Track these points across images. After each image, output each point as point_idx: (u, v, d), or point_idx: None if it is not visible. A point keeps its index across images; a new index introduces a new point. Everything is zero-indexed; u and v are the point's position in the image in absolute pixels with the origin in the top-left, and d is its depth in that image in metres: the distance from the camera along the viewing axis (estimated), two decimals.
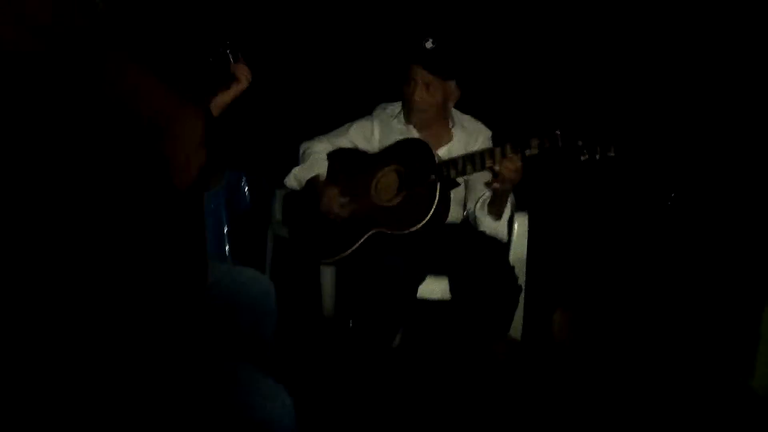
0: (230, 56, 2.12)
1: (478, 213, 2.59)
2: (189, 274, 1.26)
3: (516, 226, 2.68)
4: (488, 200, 2.55)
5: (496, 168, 2.35)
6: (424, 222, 2.38)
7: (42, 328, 0.90)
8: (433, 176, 2.43)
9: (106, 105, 0.96)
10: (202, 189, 1.23)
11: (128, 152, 1.03)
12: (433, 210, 2.39)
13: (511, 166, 2.33)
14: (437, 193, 2.41)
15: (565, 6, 3.44)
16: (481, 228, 2.58)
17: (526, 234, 2.69)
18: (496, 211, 2.53)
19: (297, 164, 2.78)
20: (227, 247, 3.14)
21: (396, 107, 2.77)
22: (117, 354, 0.98)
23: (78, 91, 0.95)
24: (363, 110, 2.90)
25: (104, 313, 0.97)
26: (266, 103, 3.15)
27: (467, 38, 3.08)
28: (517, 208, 2.73)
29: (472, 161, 2.40)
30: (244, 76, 2.05)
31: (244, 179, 3.21)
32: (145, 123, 1.02)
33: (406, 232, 2.41)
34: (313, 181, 2.68)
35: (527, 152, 2.36)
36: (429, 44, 2.56)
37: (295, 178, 2.74)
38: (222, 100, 1.99)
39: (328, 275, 2.92)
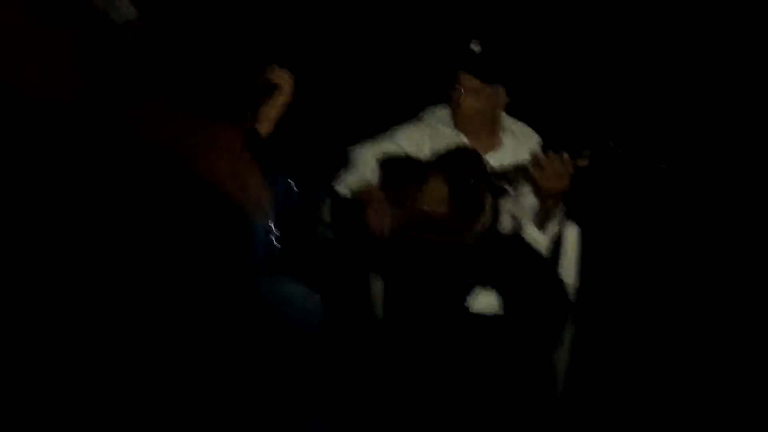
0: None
1: (523, 219, 2.58)
2: (230, 285, 1.29)
3: (566, 237, 2.66)
4: (536, 209, 2.54)
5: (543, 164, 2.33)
6: (472, 231, 2.38)
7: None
8: (482, 185, 2.42)
9: (130, 144, 0.97)
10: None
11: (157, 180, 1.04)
12: (481, 218, 2.39)
13: (557, 164, 2.31)
14: (486, 202, 2.41)
15: (617, 13, 3.39)
16: (523, 234, 2.57)
17: (576, 246, 2.66)
18: (541, 220, 2.53)
19: (344, 168, 2.77)
20: (276, 251, 3.16)
21: (444, 111, 2.74)
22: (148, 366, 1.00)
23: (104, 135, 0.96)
24: (409, 113, 2.89)
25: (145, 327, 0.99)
26: (311, 106, 3.17)
27: (515, 42, 3.04)
28: (567, 218, 2.71)
29: (523, 168, 2.39)
30: (285, 81, 1.91)
31: (291, 183, 3.22)
32: (174, 155, 1.02)
33: (455, 240, 2.40)
34: (364, 188, 2.67)
35: (578, 162, 2.34)
36: (476, 47, 2.53)
37: (346, 185, 2.72)
38: (269, 114, 1.89)
39: (377, 281, 2.92)
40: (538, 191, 2.40)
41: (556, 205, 2.48)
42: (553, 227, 2.55)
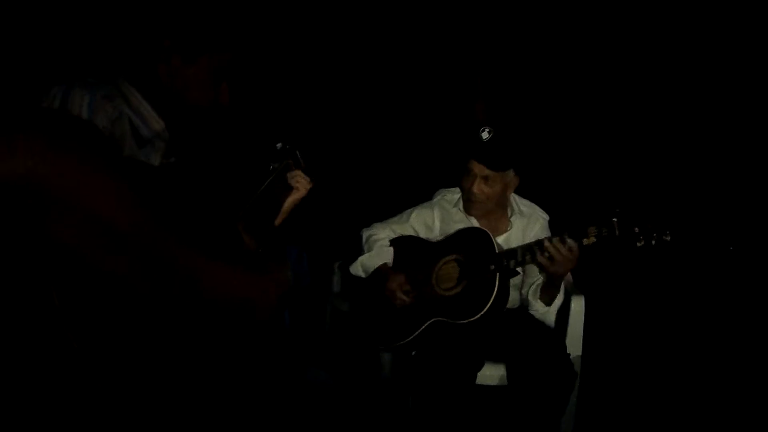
0: (291, 161, 2.04)
1: (530, 297, 2.62)
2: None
3: (572, 308, 2.68)
4: (541, 285, 2.59)
5: (551, 252, 2.39)
6: (482, 312, 2.41)
7: None
8: (492, 266, 2.46)
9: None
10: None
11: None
12: (492, 300, 2.42)
13: (564, 251, 2.37)
14: (496, 284, 2.44)
15: (616, 93, 3.48)
16: (531, 311, 2.62)
17: (582, 317, 2.69)
18: (547, 297, 2.57)
19: (360, 248, 2.83)
20: (287, 322, 3.20)
21: (455, 194, 2.80)
22: None
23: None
24: (420, 191, 2.95)
25: None
26: (322, 181, 3.26)
27: (523, 127, 3.11)
28: (574, 290, 2.76)
29: (531, 251, 2.43)
30: (303, 184, 2.02)
31: (304, 255, 3.27)
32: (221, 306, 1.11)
33: (465, 322, 2.45)
34: (380, 269, 2.72)
35: (585, 241, 2.38)
36: (485, 134, 2.58)
37: (362, 266, 2.76)
38: (286, 208, 1.99)
39: (386, 352, 2.96)
40: (546, 272, 2.46)
41: (559, 281, 2.53)
42: (558, 300, 2.59)
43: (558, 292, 2.57)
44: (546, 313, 2.59)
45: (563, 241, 2.37)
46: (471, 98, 3.60)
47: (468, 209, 2.71)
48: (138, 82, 1.53)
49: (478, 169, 2.59)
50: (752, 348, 3.28)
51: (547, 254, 2.38)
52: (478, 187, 2.60)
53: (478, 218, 2.71)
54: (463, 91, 3.62)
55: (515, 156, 2.64)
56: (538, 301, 2.59)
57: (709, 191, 3.35)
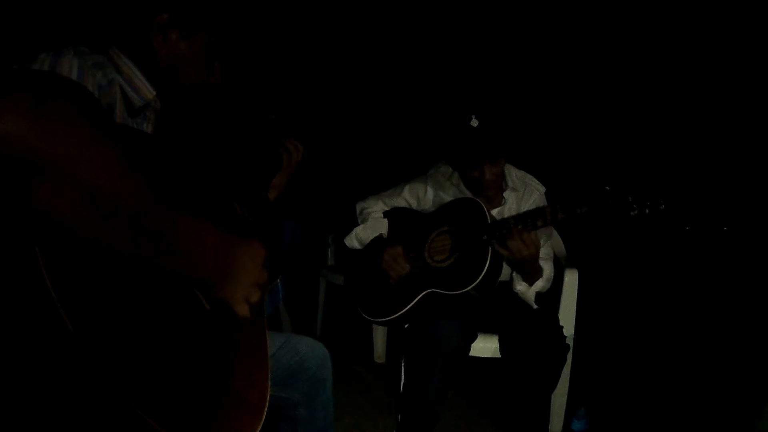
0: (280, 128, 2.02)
1: (513, 274, 2.59)
2: None
3: (565, 281, 2.69)
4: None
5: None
6: (475, 283, 2.38)
7: None
8: (485, 236, 2.44)
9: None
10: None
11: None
12: (484, 271, 2.38)
13: (515, 244, 2.34)
14: (489, 254, 2.41)
15: (607, 63, 3.46)
16: (514, 290, 2.58)
17: (576, 290, 2.70)
18: (524, 278, 2.54)
19: (348, 216, 2.81)
20: (281, 295, 3.20)
21: (447, 167, 2.77)
22: None
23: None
24: (414, 164, 2.92)
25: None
26: (314, 154, 3.25)
27: (511, 109, 3.08)
28: (568, 263, 2.75)
29: (523, 221, 2.40)
30: (297, 151, 1.96)
31: (297, 229, 3.25)
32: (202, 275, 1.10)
33: (459, 292, 2.43)
34: (376, 241, 2.71)
35: (578, 210, 2.35)
36: (474, 122, 2.52)
37: (357, 238, 2.74)
38: (279, 180, 1.93)
39: (379, 325, 2.95)
40: (508, 262, 2.44)
41: (532, 267, 2.47)
42: (540, 283, 2.54)
43: (537, 275, 2.52)
44: (526, 292, 2.54)
45: (555, 211, 2.35)
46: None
47: (480, 194, 2.65)
48: (130, 51, 1.50)
49: (485, 163, 2.55)
50: (743, 324, 3.29)
51: (540, 224, 2.36)
52: (490, 173, 2.56)
53: (474, 194, 2.67)
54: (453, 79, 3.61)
55: (509, 130, 2.60)
56: (521, 281, 2.55)
57: (704, 171, 3.34)
